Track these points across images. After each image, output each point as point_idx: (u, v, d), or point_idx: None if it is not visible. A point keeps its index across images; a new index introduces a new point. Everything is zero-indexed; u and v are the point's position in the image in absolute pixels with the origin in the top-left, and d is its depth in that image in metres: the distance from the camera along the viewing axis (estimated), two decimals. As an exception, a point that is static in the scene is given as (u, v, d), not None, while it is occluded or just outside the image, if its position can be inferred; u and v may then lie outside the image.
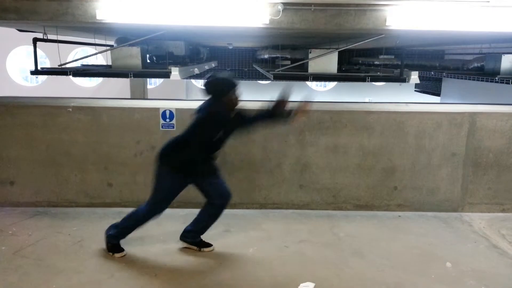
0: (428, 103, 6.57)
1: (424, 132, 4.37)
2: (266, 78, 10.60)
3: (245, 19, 4.33)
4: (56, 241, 3.60)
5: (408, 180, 4.44)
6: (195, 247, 3.51)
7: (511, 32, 4.33)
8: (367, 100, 15.39)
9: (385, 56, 9.23)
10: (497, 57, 6.57)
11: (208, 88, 3.21)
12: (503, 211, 4.49)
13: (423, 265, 3.34)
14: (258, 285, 3.02)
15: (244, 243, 3.65)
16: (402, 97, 14.92)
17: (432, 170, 4.41)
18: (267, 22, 4.32)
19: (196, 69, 8.36)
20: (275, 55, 9.75)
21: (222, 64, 12.99)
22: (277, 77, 6.92)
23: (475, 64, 7.69)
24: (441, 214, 4.38)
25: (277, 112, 3.25)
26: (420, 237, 3.87)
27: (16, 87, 16.57)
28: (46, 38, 6.67)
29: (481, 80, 6.61)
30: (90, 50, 11.59)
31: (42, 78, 16.92)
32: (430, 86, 13.57)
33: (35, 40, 6.71)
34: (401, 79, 6.19)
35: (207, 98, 3.24)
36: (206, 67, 9.84)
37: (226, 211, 4.35)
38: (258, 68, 10.16)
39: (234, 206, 4.42)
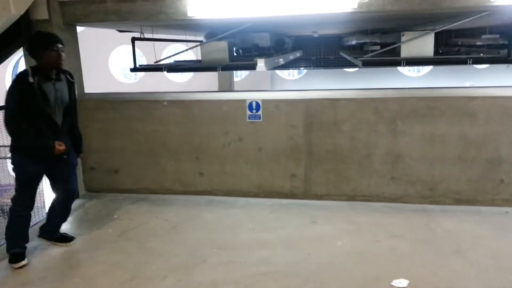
0: (543, 85, 5.77)
1: (538, 118, 3.85)
2: (353, 66, 10.22)
3: (332, 4, 4.19)
4: (155, 225, 3.89)
5: (518, 172, 3.96)
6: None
7: None
8: (468, 85, 14.07)
9: (489, 36, 8.28)
10: None
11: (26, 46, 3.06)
12: None
13: (538, 269, 2.97)
14: (348, 279, 2.93)
15: (332, 235, 3.58)
16: (510, 81, 13.35)
17: (549, 161, 3.88)
18: (356, 6, 4.13)
19: (281, 59, 8.35)
20: (363, 41, 9.32)
21: (307, 53, 12.81)
22: (366, 64, 6.60)
23: None
24: (560, 212, 3.85)
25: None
26: (533, 237, 3.44)
27: (118, 84, 18.13)
28: (143, 37, 7.16)
29: None
30: (182, 46, 12.24)
31: (140, 74, 18.31)
32: (544, 66, 11.94)
33: (133, 39, 7.25)
34: (509, 60, 5.52)
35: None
36: (291, 57, 9.79)
37: (312, 202, 4.31)
38: (345, 55, 9.83)
39: (321, 198, 4.36)
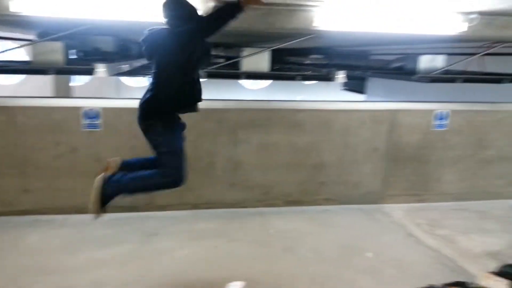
0: (353, 101, 6.88)
1: (349, 129, 4.56)
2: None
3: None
4: (-38, 254, 3.27)
5: (334, 175, 4.61)
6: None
7: (427, 35, 4.65)
8: (299, 99, 15.79)
9: (315, 56, 9.51)
10: (416, 57, 7.02)
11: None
12: (419, 201, 4.83)
13: (348, 257, 3.49)
14: (187, 287, 2.96)
15: (173, 246, 3.57)
16: (331, 96, 15.51)
17: (357, 165, 4.63)
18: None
19: (125, 66, 8.01)
20: (208, 53, 9.61)
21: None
22: (211, 75, 6.83)
23: (396, 64, 8.16)
24: (364, 207, 4.61)
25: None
26: (345, 230, 4.04)
27: None
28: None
29: (401, 79, 7.04)
30: (10, 45, 10.65)
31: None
32: (356, 84, 14.21)
33: None
34: (328, 78, 6.40)
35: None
36: (137, 64, 9.48)
37: (154, 214, 4.23)
38: (191, 66, 9.97)
39: (164, 208, 4.31)
